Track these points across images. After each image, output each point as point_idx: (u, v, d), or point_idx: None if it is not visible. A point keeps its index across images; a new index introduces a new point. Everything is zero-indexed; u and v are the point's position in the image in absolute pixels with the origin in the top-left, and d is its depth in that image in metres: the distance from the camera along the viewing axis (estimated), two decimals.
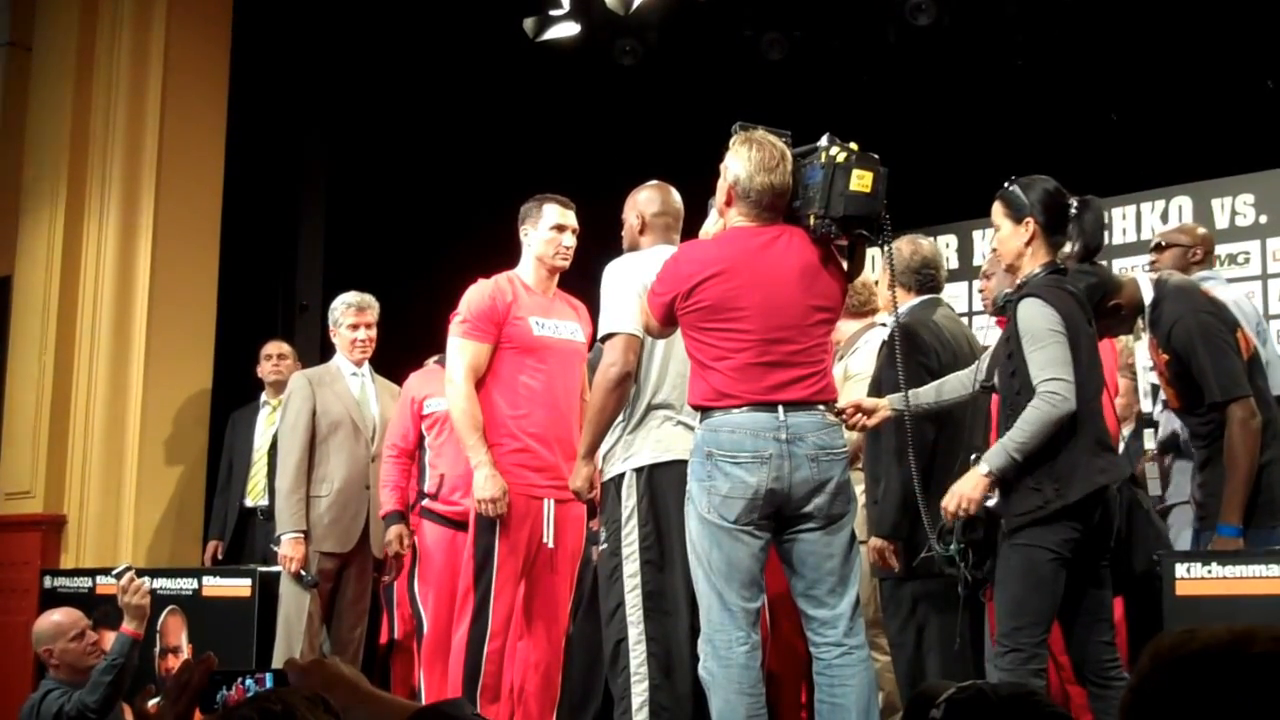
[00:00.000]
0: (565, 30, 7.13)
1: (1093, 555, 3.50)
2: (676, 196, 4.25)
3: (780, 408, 3.44)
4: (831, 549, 3.49)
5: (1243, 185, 6.67)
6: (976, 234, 7.49)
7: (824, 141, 3.51)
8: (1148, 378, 4.35)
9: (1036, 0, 6.78)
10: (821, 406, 3.51)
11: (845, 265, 3.66)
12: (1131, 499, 3.68)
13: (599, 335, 4.05)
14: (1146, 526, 3.70)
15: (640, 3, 6.87)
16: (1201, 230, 5.02)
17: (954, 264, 7.54)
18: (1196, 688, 1.12)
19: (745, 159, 3.51)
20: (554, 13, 7.09)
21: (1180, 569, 3.51)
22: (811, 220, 3.50)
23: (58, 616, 4.58)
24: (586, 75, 7.41)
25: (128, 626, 4.39)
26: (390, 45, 7.41)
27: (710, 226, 3.77)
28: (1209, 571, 3.48)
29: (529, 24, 7.14)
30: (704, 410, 3.53)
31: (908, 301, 4.16)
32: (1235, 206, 6.72)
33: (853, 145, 3.49)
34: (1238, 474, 3.66)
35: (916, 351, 3.98)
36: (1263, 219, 6.75)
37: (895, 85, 7.24)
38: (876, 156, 3.49)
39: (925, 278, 4.26)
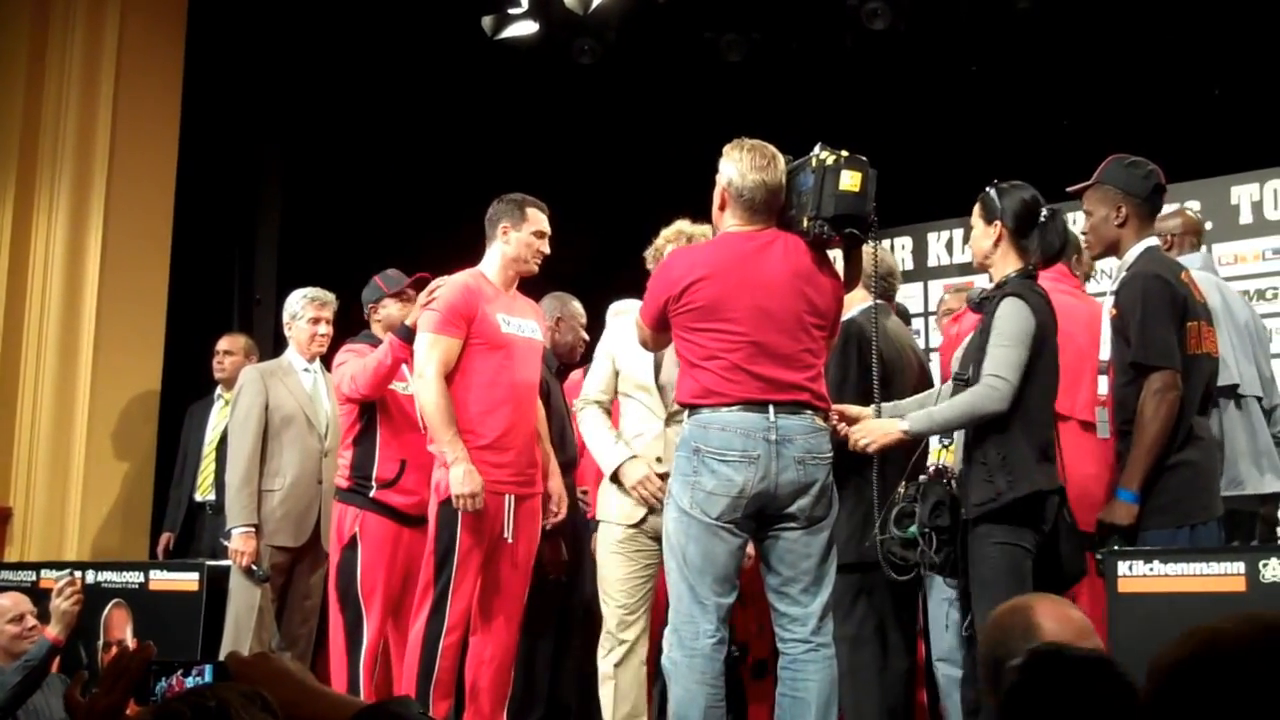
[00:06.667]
0: (524, 29, 7.12)
1: (1045, 558, 3.56)
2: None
3: (771, 408, 3.48)
4: (810, 549, 3.55)
5: (1188, 192, 6.71)
6: (931, 236, 7.53)
7: (816, 150, 3.59)
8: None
9: (990, 7, 6.85)
10: (810, 411, 3.55)
11: (841, 272, 3.72)
12: (1058, 513, 3.64)
13: None
14: (1066, 541, 3.67)
15: (599, 2, 6.88)
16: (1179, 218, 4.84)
17: (909, 265, 7.55)
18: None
19: (737, 160, 3.61)
20: (512, 11, 7.07)
21: (1123, 566, 3.55)
22: (805, 223, 3.56)
23: (4, 600, 4.53)
24: (545, 74, 7.41)
25: (50, 631, 4.32)
26: (347, 41, 7.37)
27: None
28: (1151, 569, 3.52)
29: (487, 22, 7.13)
30: (692, 407, 3.56)
31: (863, 304, 4.14)
32: None
33: (843, 151, 3.57)
34: (1143, 441, 3.61)
35: (862, 352, 4.04)
36: (1209, 225, 6.83)
37: (852, 88, 7.29)
38: (865, 159, 3.58)
39: (884, 286, 4.24)
